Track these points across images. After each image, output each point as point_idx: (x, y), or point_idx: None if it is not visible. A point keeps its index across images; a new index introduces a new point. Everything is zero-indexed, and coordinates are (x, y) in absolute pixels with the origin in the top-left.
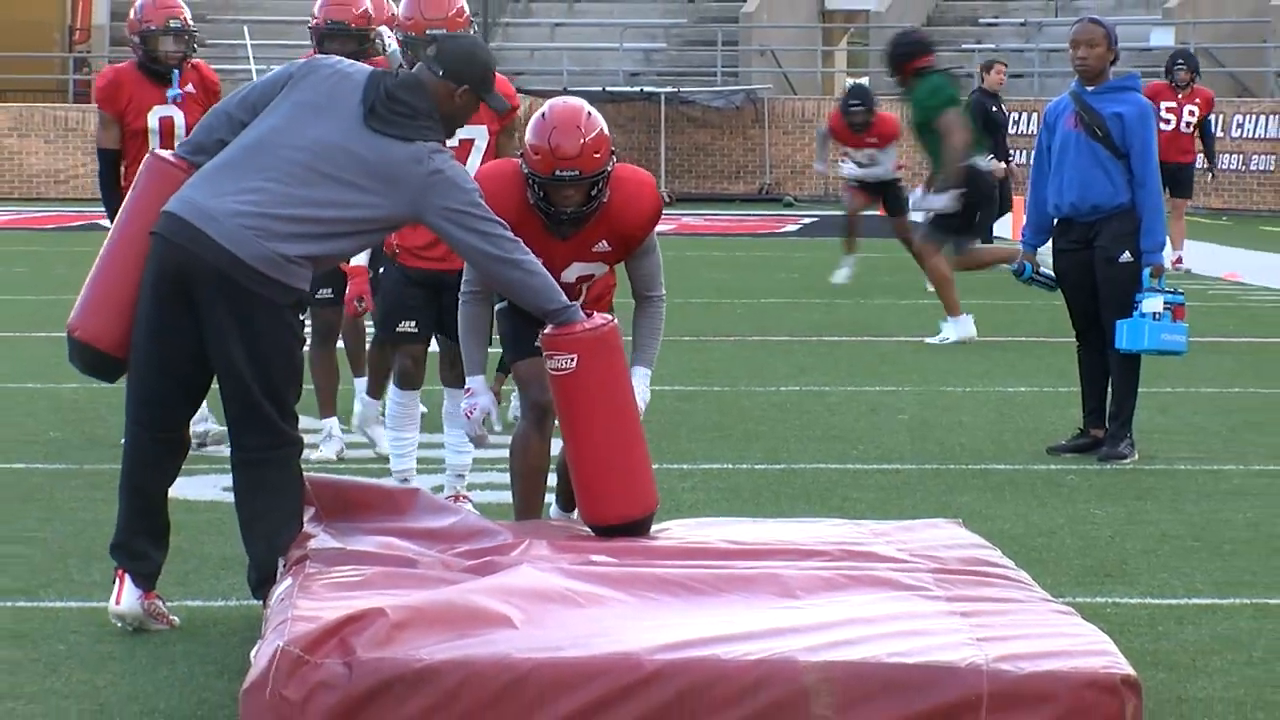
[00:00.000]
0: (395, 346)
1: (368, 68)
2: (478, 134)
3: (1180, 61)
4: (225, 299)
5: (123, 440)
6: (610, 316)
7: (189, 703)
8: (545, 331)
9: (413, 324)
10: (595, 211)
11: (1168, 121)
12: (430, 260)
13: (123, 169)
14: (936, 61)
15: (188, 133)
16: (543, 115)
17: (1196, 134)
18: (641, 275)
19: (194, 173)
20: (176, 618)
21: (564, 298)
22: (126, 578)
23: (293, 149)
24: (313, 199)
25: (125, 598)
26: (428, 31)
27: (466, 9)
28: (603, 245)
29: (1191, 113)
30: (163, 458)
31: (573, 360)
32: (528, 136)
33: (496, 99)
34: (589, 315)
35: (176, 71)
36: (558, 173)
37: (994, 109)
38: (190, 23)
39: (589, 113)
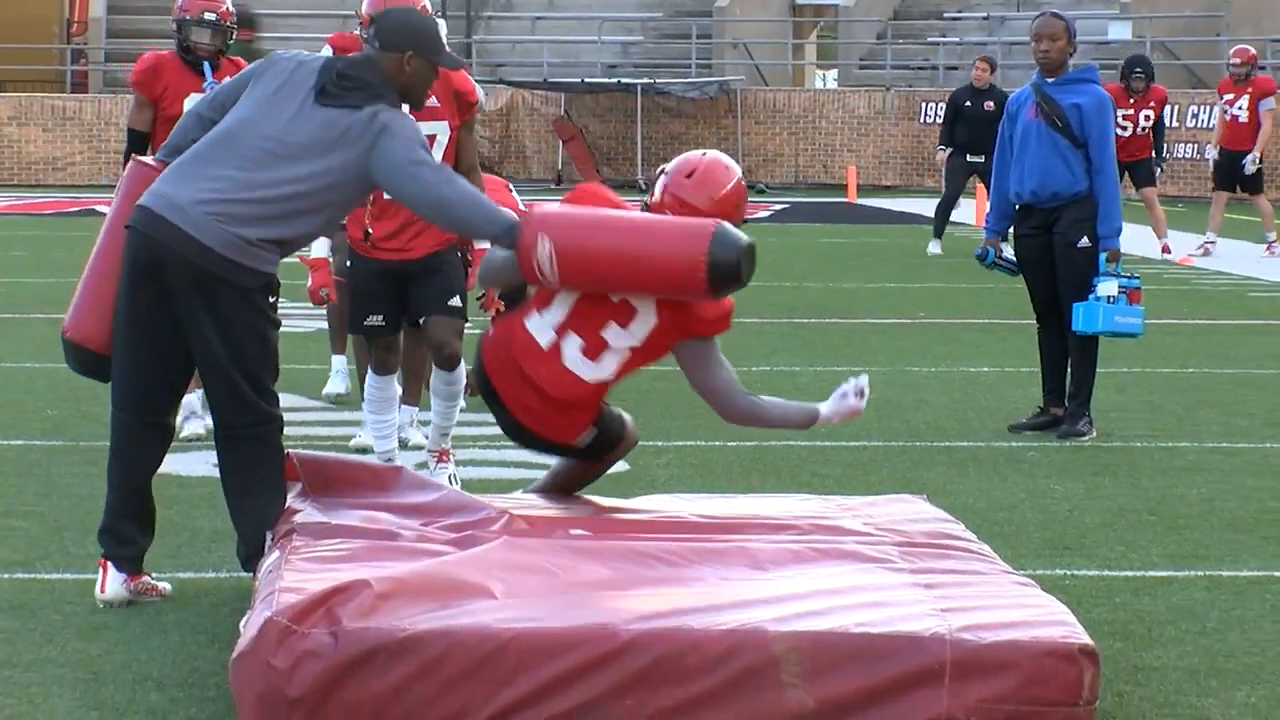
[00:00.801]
0: (367, 339)
1: (325, 57)
2: (439, 130)
3: (1138, 70)
4: (195, 286)
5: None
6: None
7: (181, 670)
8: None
9: (379, 317)
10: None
11: (1124, 128)
12: (390, 251)
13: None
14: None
15: None
16: None
17: (1150, 131)
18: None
19: None
20: (167, 585)
21: (505, 216)
22: (110, 566)
23: (258, 137)
24: (271, 180)
25: (110, 585)
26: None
27: (427, 3)
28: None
29: (1147, 117)
30: (147, 443)
31: (547, 245)
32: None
33: (449, 58)
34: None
35: (208, 64)
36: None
37: (966, 103)
38: (230, 17)
39: None
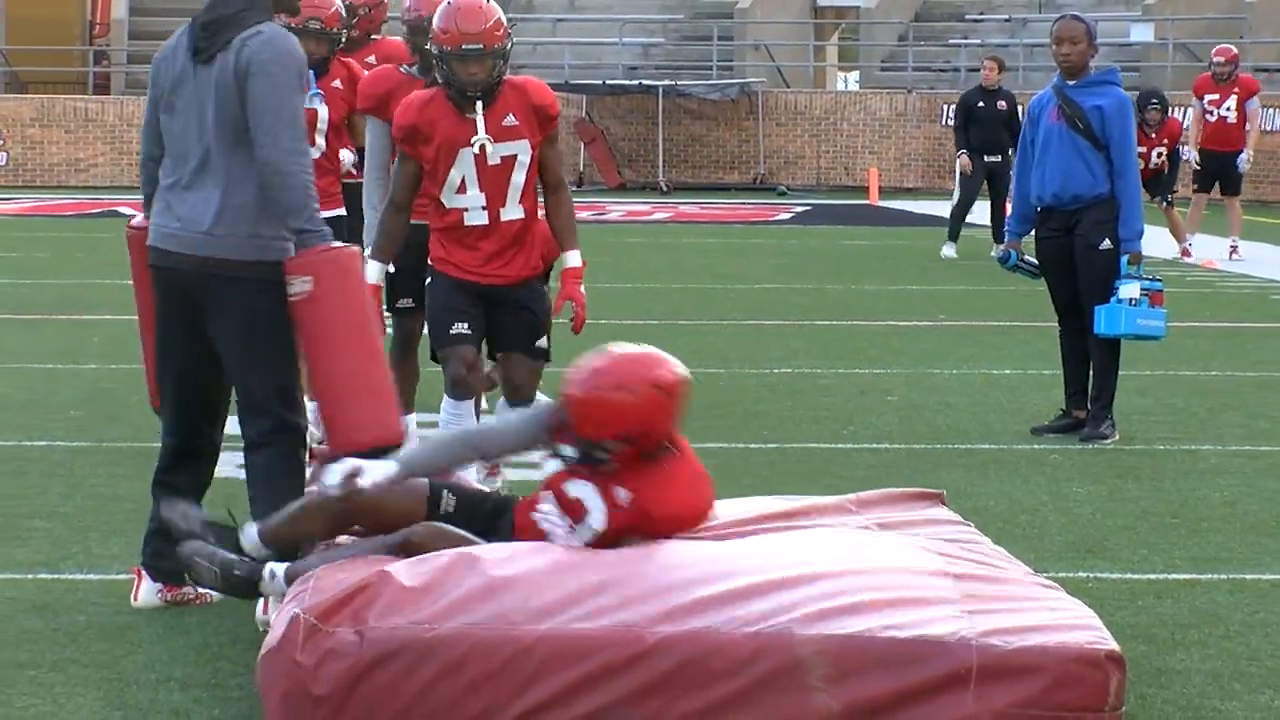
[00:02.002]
0: (447, 354)
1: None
2: (520, 149)
3: (1154, 102)
4: (220, 296)
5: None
6: (354, 247)
7: (204, 671)
8: (288, 258)
9: (465, 325)
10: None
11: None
12: (477, 274)
13: None
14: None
15: (330, 127)
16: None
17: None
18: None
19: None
20: (212, 594)
21: (317, 220)
22: (144, 575)
23: (192, 139)
24: (229, 170)
25: (143, 594)
26: (463, 46)
27: (504, 20)
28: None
29: (1160, 154)
30: (190, 466)
31: (308, 283)
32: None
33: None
34: (330, 245)
35: (313, 72)
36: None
37: (978, 104)
38: (338, 23)
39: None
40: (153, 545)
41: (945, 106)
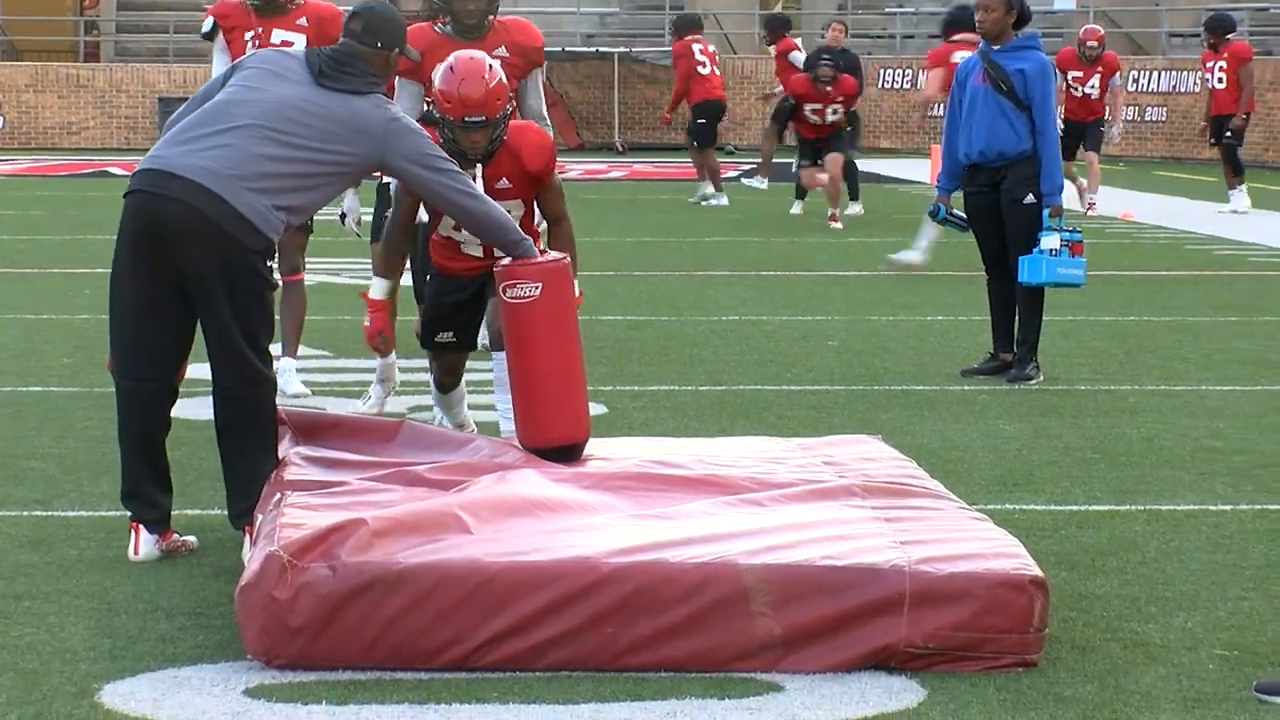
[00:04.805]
0: (433, 358)
1: (302, 41)
2: (513, 206)
3: (825, 58)
4: (204, 242)
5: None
6: (564, 254)
7: (189, 601)
8: (506, 263)
9: (451, 335)
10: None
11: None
12: (478, 269)
13: None
14: None
15: None
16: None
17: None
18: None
19: None
20: (193, 538)
21: (521, 232)
22: (141, 529)
23: (259, 105)
24: (280, 156)
25: (143, 548)
26: (466, 119)
27: (503, 80)
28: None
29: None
30: (156, 408)
31: (536, 289)
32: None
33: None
34: (542, 251)
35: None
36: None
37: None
38: None
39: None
40: (140, 495)
41: (881, 71)
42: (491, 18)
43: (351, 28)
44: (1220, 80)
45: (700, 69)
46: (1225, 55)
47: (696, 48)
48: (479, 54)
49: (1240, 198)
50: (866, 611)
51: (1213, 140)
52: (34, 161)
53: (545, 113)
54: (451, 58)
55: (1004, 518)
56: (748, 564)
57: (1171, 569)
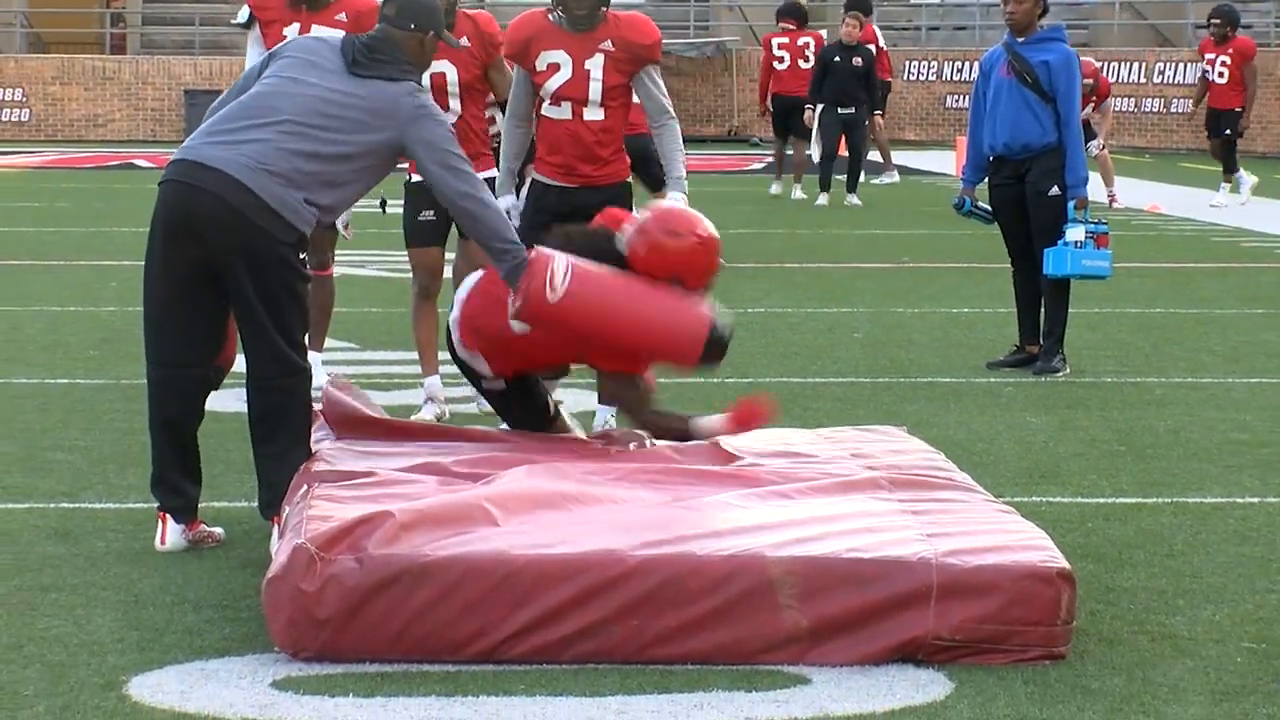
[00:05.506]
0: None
1: (340, 33)
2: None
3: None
4: (235, 238)
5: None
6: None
7: (215, 593)
8: (514, 309)
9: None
10: (602, 13)
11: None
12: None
13: None
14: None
15: (459, 88)
16: None
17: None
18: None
19: None
20: (221, 530)
21: (515, 236)
22: (168, 518)
23: (294, 99)
24: (312, 152)
25: (169, 537)
26: None
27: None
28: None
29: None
30: (188, 397)
31: (547, 290)
32: None
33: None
34: (529, 248)
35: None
36: None
37: (835, 59)
38: None
39: None
40: (167, 484)
41: (906, 63)
42: (604, 10)
43: (386, 12)
44: (1221, 75)
45: (776, 64)
46: (1230, 50)
47: (776, 41)
48: None
49: (1224, 195)
50: (893, 604)
51: (1209, 134)
52: (60, 154)
53: (669, 107)
54: None
55: (1030, 510)
56: (774, 556)
57: (1198, 561)
